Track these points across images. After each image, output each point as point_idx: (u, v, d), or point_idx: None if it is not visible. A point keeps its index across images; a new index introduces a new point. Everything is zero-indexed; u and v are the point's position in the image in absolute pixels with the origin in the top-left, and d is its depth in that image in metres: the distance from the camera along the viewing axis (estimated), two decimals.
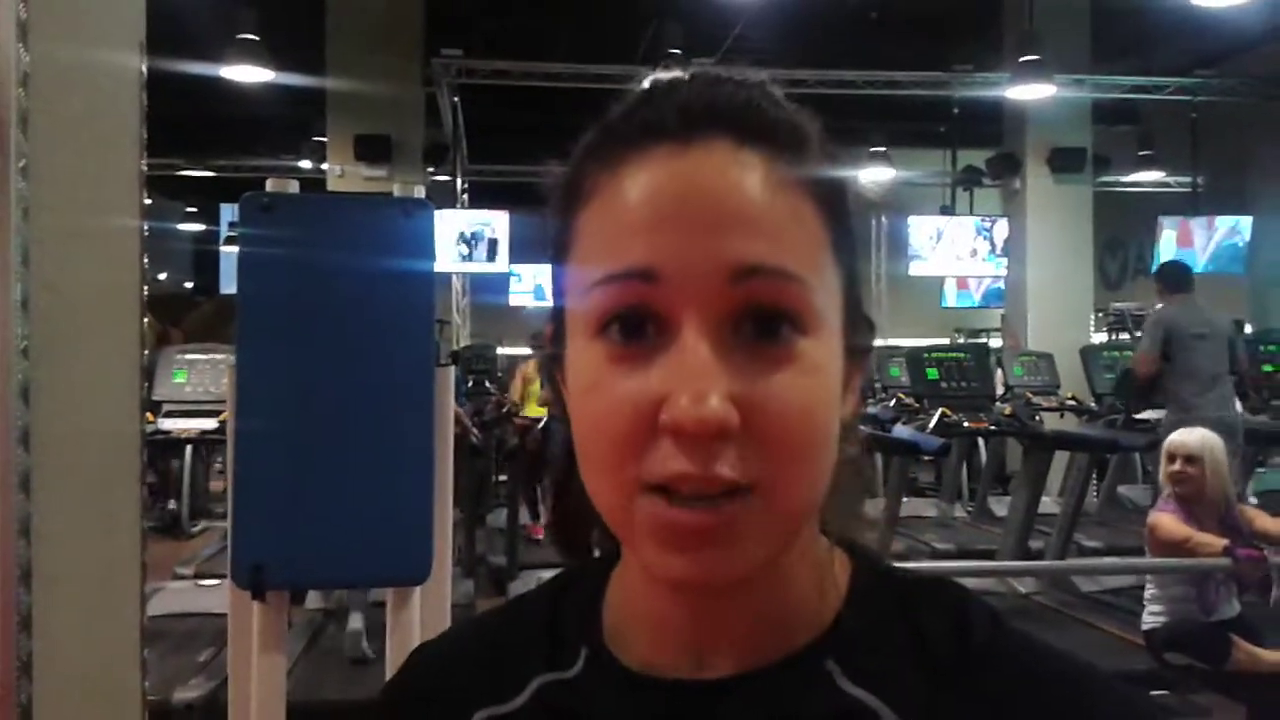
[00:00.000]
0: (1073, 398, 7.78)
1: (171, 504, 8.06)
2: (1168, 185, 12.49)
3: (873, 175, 11.69)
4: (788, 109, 0.54)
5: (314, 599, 5.43)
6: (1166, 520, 3.72)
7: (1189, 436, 3.86)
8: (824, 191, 0.52)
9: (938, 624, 0.54)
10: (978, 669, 0.52)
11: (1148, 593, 3.86)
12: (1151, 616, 3.80)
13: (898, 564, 0.61)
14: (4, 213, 1.73)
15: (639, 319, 0.49)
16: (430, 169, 10.52)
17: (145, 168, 1.92)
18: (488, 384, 8.62)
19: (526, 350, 10.26)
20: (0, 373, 1.72)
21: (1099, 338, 11.00)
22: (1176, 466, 3.77)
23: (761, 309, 0.49)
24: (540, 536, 7.51)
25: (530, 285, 12.72)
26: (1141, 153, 12.35)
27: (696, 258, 0.48)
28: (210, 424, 5.74)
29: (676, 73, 0.55)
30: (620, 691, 0.56)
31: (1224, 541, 3.55)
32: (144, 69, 1.97)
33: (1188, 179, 10.92)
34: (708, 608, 0.54)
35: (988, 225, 9.97)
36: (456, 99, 9.78)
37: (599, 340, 0.50)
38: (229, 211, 11.31)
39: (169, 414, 5.93)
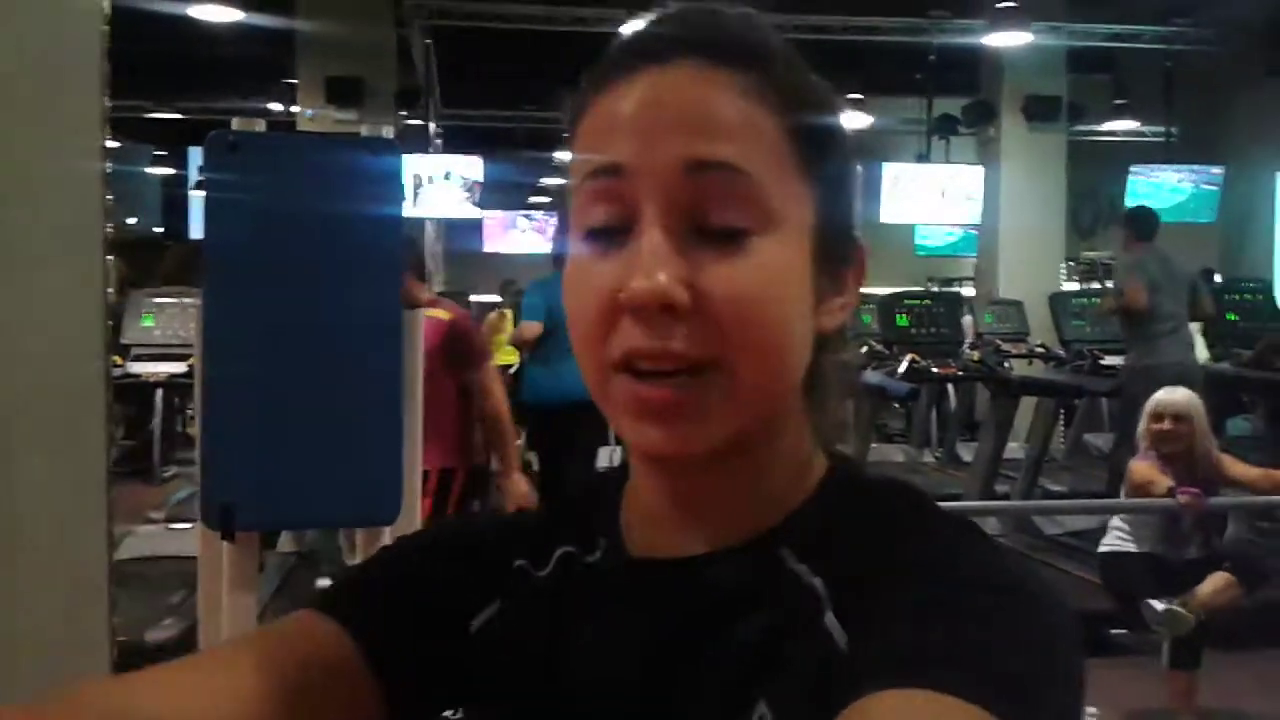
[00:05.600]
0: (1042, 345, 7.85)
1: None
2: (1142, 134, 12.50)
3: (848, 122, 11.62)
4: (764, 35, 0.59)
5: (286, 542, 5.44)
6: (1141, 466, 3.69)
7: (1174, 395, 3.75)
8: (791, 105, 0.58)
9: (888, 517, 0.58)
10: (904, 550, 0.55)
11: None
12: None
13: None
14: None
15: (618, 224, 0.56)
16: (403, 113, 10.39)
17: (109, 104, 1.88)
18: None
19: (499, 298, 10.19)
20: None
21: (1070, 286, 11.05)
22: (1166, 425, 3.65)
23: (715, 203, 0.55)
24: None
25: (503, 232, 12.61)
26: (1116, 101, 12.34)
27: (655, 154, 0.55)
28: (180, 368, 5.69)
29: (669, 9, 0.61)
30: (623, 571, 0.63)
31: (1169, 482, 3.56)
32: (106, 4, 1.92)
33: (1161, 129, 10.93)
34: (685, 488, 0.60)
35: (960, 173, 9.97)
36: (430, 41, 9.64)
37: (584, 242, 0.57)
38: (197, 155, 11.08)
39: (138, 358, 5.88)
